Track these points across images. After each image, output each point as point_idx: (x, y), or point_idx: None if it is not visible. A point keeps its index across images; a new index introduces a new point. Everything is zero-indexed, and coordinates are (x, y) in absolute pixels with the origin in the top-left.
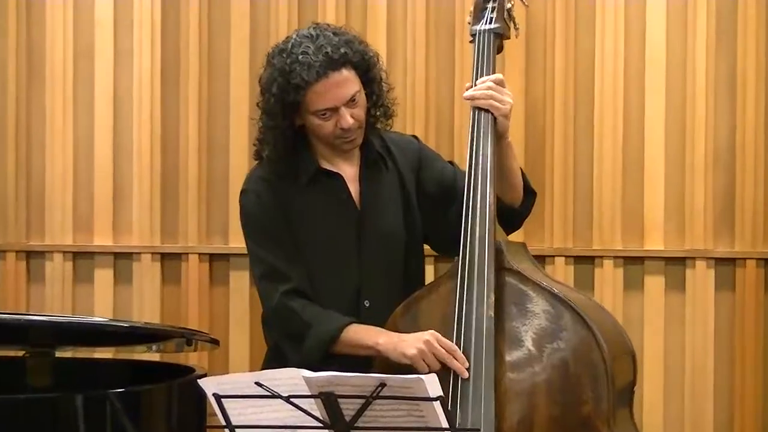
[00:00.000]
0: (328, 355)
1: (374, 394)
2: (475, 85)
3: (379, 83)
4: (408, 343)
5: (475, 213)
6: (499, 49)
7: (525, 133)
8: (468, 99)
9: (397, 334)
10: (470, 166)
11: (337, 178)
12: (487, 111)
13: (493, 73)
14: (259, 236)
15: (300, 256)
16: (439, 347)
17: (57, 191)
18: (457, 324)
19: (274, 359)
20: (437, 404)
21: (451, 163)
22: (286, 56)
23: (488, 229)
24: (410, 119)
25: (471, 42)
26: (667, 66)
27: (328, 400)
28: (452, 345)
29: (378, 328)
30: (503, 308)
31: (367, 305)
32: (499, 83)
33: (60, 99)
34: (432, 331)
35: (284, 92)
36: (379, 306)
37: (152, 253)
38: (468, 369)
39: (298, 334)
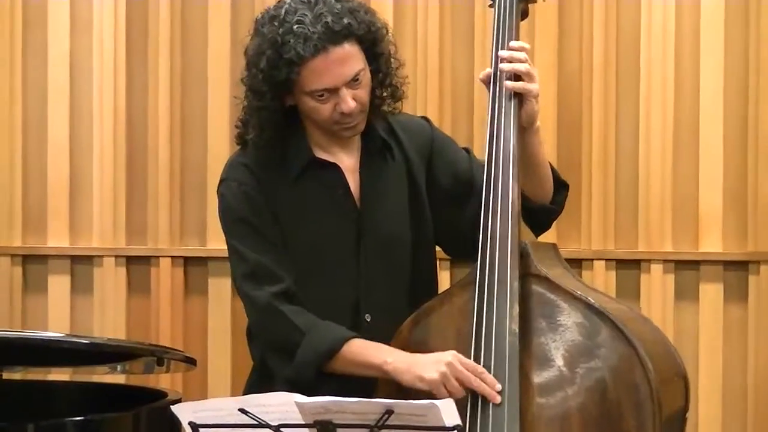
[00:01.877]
0: (323, 372)
1: (380, 423)
2: (498, 58)
3: (387, 59)
4: (426, 365)
5: (495, 210)
6: (524, 15)
7: (557, 116)
8: (484, 81)
9: (410, 354)
10: (490, 155)
11: (334, 169)
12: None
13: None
14: (241, 231)
15: (292, 256)
16: (463, 370)
17: (2, 184)
18: (476, 341)
19: (261, 379)
20: None
21: (467, 150)
22: (278, 25)
23: (511, 229)
24: (421, 100)
25: (490, 6)
26: (725, 35)
27: (325, 429)
28: (478, 367)
29: (387, 347)
30: (529, 321)
31: (369, 320)
32: (525, 50)
33: (6, 75)
34: (454, 351)
35: (274, 68)
36: (383, 321)
37: (116, 257)
38: (501, 393)
39: (289, 344)
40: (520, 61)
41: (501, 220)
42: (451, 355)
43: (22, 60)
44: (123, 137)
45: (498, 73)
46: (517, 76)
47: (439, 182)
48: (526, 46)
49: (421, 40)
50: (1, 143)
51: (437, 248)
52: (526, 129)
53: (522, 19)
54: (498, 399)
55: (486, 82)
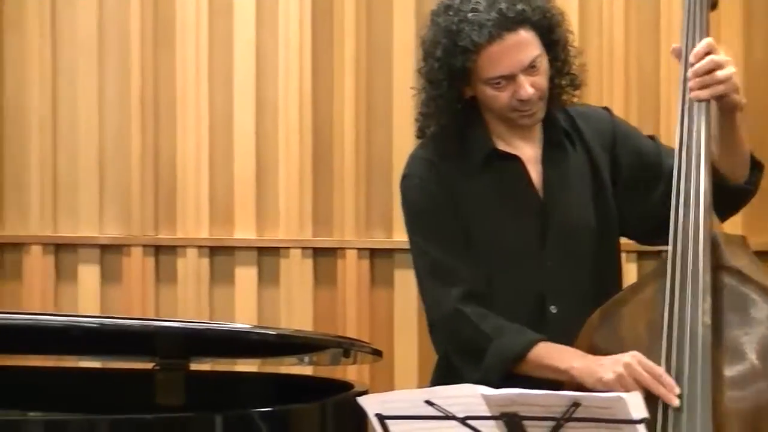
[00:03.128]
0: (510, 374)
1: (566, 416)
2: (688, 57)
3: (564, 46)
4: (605, 367)
5: (687, 200)
6: (713, 5)
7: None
8: (674, 54)
9: (594, 357)
10: (680, 143)
11: (515, 160)
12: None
13: (705, 35)
14: (424, 227)
15: (474, 252)
16: (641, 371)
17: (190, 176)
18: (667, 332)
19: (446, 371)
20: (641, 428)
21: (652, 137)
22: (453, 14)
23: (703, 220)
24: (607, 89)
25: None
26: None
27: (512, 422)
28: (657, 368)
29: (573, 350)
30: (721, 314)
31: (554, 312)
32: (713, 52)
33: (192, 67)
34: (634, 352)
35: (450, 56)
36: (569, 312)
37: (302, 248)
38: (679, 396)
39: (475, 349)
40: (706, 71)
41: (693, 210)
42: (630, 356)
43: (209, 50)
44: (309, 129)
45: (687, 72)
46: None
47: (623, 170)
48: (712, 47)
49: (607, 29)
50: (188, 135)
51: (622, 239)
52: (724, 114)
53: (711, 9)
54: (676, 402)
55: (676, 56)
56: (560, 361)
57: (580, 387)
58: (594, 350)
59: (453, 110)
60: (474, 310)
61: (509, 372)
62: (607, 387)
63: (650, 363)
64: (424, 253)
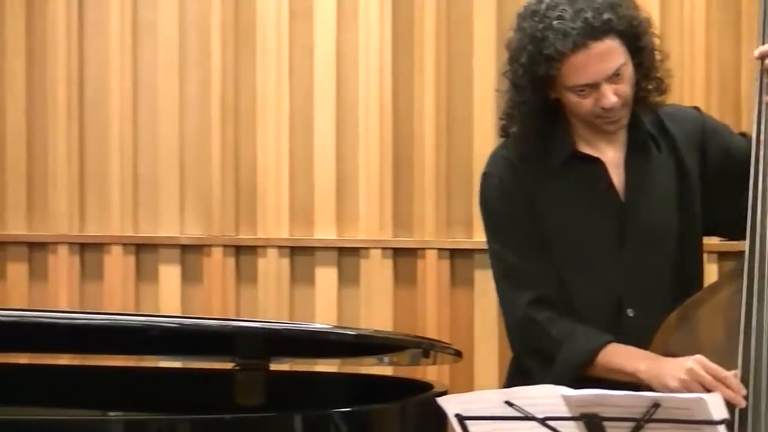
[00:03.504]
0: (581, 377)
1: (646, 417)
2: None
3: (650, 52)
4: (668, 373)
5: (765, 199)
6: None
7: None
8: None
9: (661, 359)
10: (757, 140)
11: (596, 163)
12: None
13: None
14: (499, 229)
15: (548, 255)
16: (705, 375)
17: (270, 176)
18: (745, 332)
19: (518, 370)
20: (722, 428)
21: (743, 134)
22: (538, 20)
23: None
24: (688, 91)
25: None
26: None
27: (592, 422)
28: (722, 371)
29: (640, 351)
30: None
31: (631, 315)
32: None
33: (273, 70)
34: (698, 356)
35: (535, 63)
36: (646, 316)
37: (382, 249)
38: (745, 397)
39: (545, 353)
40: None
41: None
42: (693, 361)
43: (289, 54)
44: (389, 128)
45: (763, 71)
46: None
47: (714, 167)
48: None
49: (687, 29)
50: (268, 135)
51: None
52: None
53: None
54: (743, 403)
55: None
56: (627, 364)
57: (650, 388)
58: (669, 352)
59: (536, 113)
60: (544, 315)
61: (579, 376)
62: (670, 392)
63: (714, 366)
64: (499, 255)
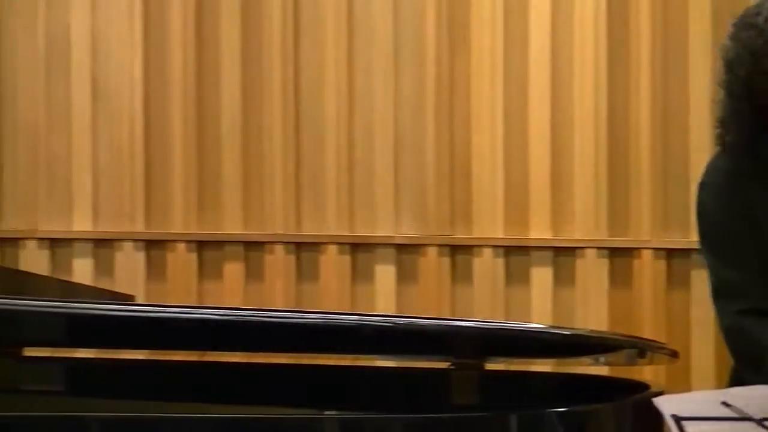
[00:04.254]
0: None
1: None
2: None
3: None
4: None
5: None
6: None
7: None
8: None
9: None
10: None
11: None
12: None
13: None
14: (714, 242)
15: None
16: None
17: (485, 176)
18: None
19: (737, 375)
20: None
21: None
22: (755, 35)
23: None
24: None
25: None
26: None
27: None
28: None
29: None
30: None
31: None
32: None
33: (488, 67)
34: None
35: (752, 78)
36: None
37: (598, 248)
38: None
39: (753, 358)
40: None
41: None
42: None
43: (504, 51)
44: (604, 127)
45: None
46: None
47: None
48: None
49: None
50: (483, 135)
51: None
52: None
53: None
54: None
55: None
56: None
57: None
58: None
59: (752, 124)
60: (751, 322)
61: None
62: None
63: None
64: (712, 265)
